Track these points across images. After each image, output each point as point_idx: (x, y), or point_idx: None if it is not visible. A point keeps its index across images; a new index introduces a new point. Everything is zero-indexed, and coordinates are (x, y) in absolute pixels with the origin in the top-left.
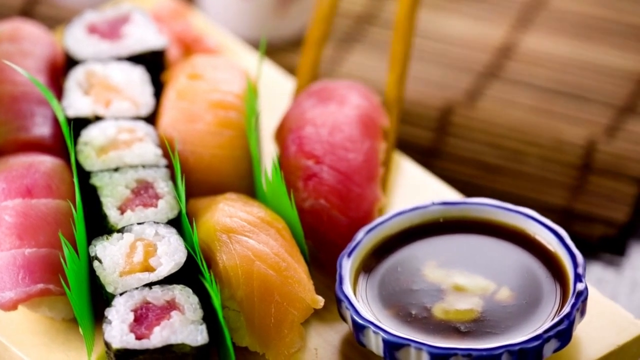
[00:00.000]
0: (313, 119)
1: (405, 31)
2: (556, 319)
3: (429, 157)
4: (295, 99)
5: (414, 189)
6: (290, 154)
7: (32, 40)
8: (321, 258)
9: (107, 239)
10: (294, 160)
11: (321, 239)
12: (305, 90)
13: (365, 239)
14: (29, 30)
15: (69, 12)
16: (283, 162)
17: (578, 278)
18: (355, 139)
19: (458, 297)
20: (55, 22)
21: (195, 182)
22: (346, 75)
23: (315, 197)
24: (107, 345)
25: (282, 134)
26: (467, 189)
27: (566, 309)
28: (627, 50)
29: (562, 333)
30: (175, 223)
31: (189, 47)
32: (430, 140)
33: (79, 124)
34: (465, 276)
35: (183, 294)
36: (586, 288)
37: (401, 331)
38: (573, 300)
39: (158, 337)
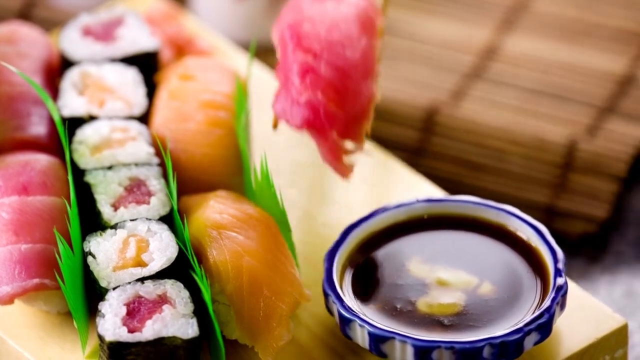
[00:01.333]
0: (311, 16)
1: None
2: (537, 313)
3: (415, 156)
4: None
5: (400, 186)
6: (288, 50)
7: (29, 42)
8: (320, 152)
9: (100, 235)
10: (291, 56)
11: (318, 133)
12: None
13: (352, 234)
14: (26, 33)
15: (65, 14)
16: (281, 58)
17: (558, 273)
18: (352, 37)
19: (442, 291)
20: (51, 24)
21: (187, 180)
22: None
23: (313, 90)
24: (101, 338)
25: (280, 31)
26: (452, 187)
27: (546, 303)
28: (608, 51)
29: (543, 326)
30: (167, 219)
31: (181, 48)
32: (416, 139)
33: (74, 123)
34: (449, 271)
35: (174, 289)
36: (566, 282)
37: (386, 324)
38: (553, 295)
39: (150, 330)
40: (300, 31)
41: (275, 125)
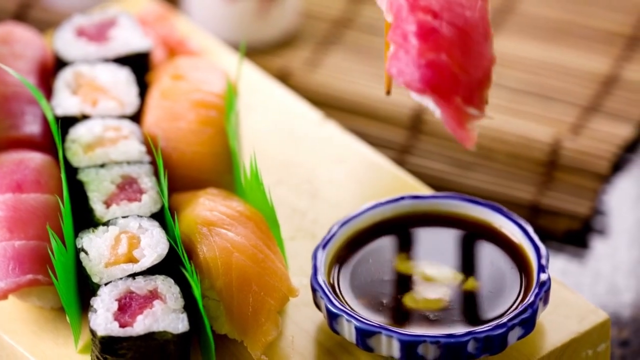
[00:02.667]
0: None
1: None
2: (520, 308)
3: (402, 154)
4: None
5: (387, 184)
6: (403, 11)
7: (24, 43)
8: (442, 118)
9: (93, 231)
10: (407, 17)
11: (441, 97)
12: None
13: (339, 231)
14: (21, 34)
15: (60, 15)
16: (394, 20)
17: (541, 269)
18: None
19: (427, 287)
20: (46, 25)
21: (178, 178)
22: (324, 77)
23: (437, 51)
24: (93, 332)
25: None
26: (438, 185)
27: (530, 298)
28: (592, 52)
29: (526, 321)
30: (158, 217)
31: (173, 49)
32: (404, 138)
33: (67, 122)
34: (434, 267)
35: (165, 284)
36: (549, 278)
37: (373, 319)
38: (536, 290)
39: (141, 325)
40: None
41: (388, 90)
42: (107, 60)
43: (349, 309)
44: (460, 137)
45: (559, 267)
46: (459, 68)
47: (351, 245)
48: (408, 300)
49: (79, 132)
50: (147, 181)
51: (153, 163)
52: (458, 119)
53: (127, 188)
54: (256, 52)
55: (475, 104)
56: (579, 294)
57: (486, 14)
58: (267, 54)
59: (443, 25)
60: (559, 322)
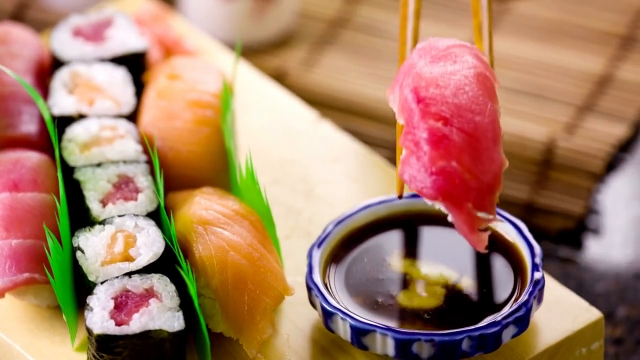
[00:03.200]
0: (434, 78)
1: (483, 2)
2: (514, 306)
3: (396, 154)
4: (404, 61)
5: (382, 183)
6: (415, 116)
7: (21, 43)
8: (455, 223)
9: (89, 230)
10: (419, 122)
11: (453, 204)
12: (414, 50)
13: (334, 230)
14: (18, 34)
15: (57, 15)
16: (406, 124)
17: (535, 267)
18: (479, 101)
19: (422, 285)
20: (43, 25)
21: (174, 177)
22: (320, 77)
23: (447, 159)
24: (89, 331)
25: (400, 95)
26: None
27: (524, 297)
28: (586, 52)
29: (520, 319)
30: (154, 215)
31: (169, 49)
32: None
33: (64, 121)
34: (429, 266)
35: (161, 283)
36: (543, 277)
37: (368, 318)
38: (530, 289)
39: (137, 323)
40: (426, 95)
41: (401, 193)
42: (103, 60)
43: (344, 307)
44: (472, 241)
45: (553, 266)
46: (469, 174)
47: (346, 244)
48: (403, 299)
49: (75, 132)
50: (143, 180)
51: (149, 162)
52: (470, 224)
53: (124, 187)
54: (252, 52)
55: (486, 208)
56: (572, 292)
57: (496, 117)
58: (263, 54)
59: (454, 132)
60: (552, 321)
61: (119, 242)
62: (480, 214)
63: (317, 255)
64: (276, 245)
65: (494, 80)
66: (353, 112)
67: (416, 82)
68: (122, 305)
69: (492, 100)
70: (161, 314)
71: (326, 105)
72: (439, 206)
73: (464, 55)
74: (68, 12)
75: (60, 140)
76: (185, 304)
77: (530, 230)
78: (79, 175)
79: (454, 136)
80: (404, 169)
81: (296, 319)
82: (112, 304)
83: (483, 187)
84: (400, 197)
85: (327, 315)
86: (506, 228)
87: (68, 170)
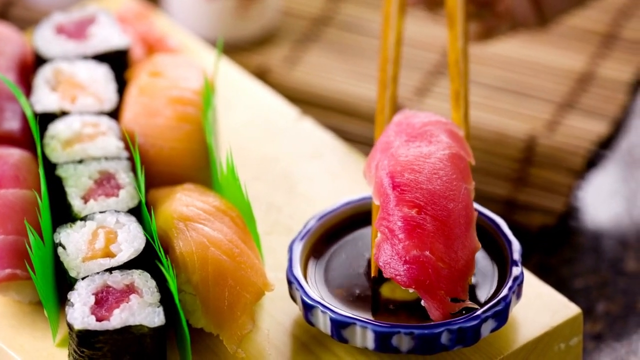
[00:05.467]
0: (409, 162)
1: (462, 69)
2: (493, 301)
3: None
4: (382, 134)
5: (362, 179)
6: (390, 202)
7: (4, 40)
8: (427, 309)
9: (70, 226)
10: (394, 209)
11: (426, 291)
12: (391, 124)
13: (315, 225)
14: (1, 31)
15: (41, 13)
16: (382, 210)
17: (514, 263)
18: (453, 187)
19: None
20: (27, 23)
21: (155, 174)
22: (302, 74)
23: (421, 248)
24: (70, 326)
25: (377, 176)
26: None
27: (503, 292)
28: (567, 50)
29: (499, 314)
30: (135, 212)
31: (152, 46)
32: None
33: (46, 118)
34: None
35: (141, 278)
36: (522, 272)
37: (348, 311)
38: (510, 284)
39: (117, 318)
40: (402, 182)
41: (375, 275)
42: (86, 57)
43: (324, 300)
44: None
45: (534, 262)
46: (442, 263)
47: (327, 239)
48: (384, 292)
49: (57, 128)
50: (124, 177)
51: (131, 159)
52: (442, 310)
53: (105, 183)
54: (235, 50)
55: (458, 294)
56: (551, 288)
57: (469, 200)
58: (246, 52)
59: (427, 220)
60: (531, 316)
61: (100, 238)
62: (452, 301)
63: (298, 250)
64: (257, 241)
65: (467, 157)
66: (334, 109)
67: (392, 165)
68: (103, 300)
69: (466, 181)
70: (142, 310)
71: (308, 102)
72: (412, 291)
73: (439, 135)
74: (52, 10)
75: (42, 137)
76: (166, 300)
77: (511, 227)
78: (60, 171)
79: (428, 225)
80: (378, 254)
81: (277, 314)
82: (92, 299)
83: (455, 275)
84: (374, 277)
85: (308, 309)
86: (486, 224)
87: (50, 167)
